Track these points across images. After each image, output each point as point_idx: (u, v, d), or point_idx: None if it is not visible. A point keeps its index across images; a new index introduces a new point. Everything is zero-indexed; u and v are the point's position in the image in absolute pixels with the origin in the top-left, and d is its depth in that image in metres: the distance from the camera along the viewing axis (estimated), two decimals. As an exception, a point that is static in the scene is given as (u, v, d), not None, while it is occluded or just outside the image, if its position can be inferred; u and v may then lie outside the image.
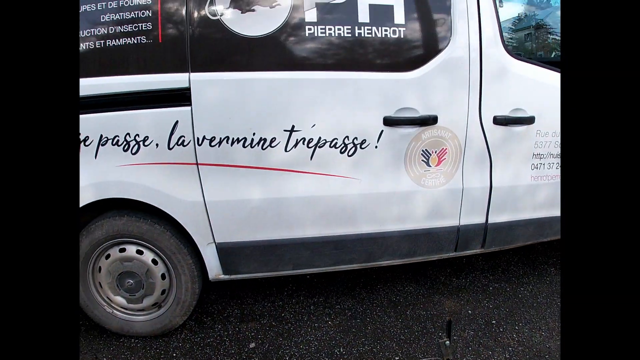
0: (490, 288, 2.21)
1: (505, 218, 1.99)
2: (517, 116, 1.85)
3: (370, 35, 1.69)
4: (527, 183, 1.97)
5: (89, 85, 1.64)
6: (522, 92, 1.87)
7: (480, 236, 1.99)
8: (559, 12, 2.40)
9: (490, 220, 1.97)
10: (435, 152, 1.80)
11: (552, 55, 2.51)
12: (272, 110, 1.67)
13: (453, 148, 1.82)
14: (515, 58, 1.85)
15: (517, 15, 2.26)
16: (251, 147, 1.68)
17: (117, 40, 1.65)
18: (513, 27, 2.28)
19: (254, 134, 1.67)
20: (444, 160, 1.82)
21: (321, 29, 1.66)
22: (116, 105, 1.67)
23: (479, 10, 1.78)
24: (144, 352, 1.86)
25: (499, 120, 1.83)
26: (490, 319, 1.98)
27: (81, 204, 1.72)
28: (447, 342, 1.48)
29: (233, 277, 1.88)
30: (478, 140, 1.83)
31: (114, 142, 1.67)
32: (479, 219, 1.95)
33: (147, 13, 1.64)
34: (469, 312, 2.03)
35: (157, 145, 1.67)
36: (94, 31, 1.65)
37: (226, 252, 1.80)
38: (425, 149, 1.79)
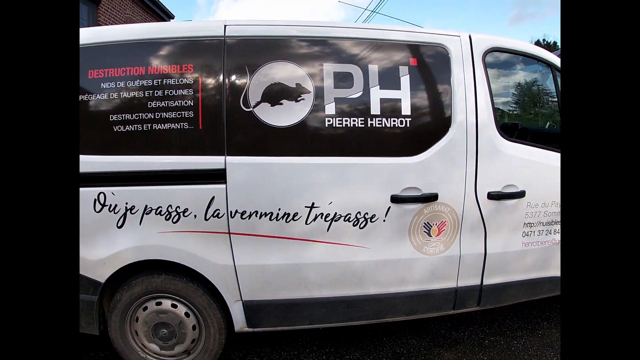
0: (486, 341, 2.43)
1: (498, 280, 2.23)
2: (509, 192, 2.11)
3: (380, 125, 1.96)
4: (518, 249, 2.21)
5: (138, 162, 1.92)
6: (514, 169, 2.13)
7: (476, 296, 2.22)
8: (548, 86, 2.67)
9: (485, 282, 2.20)
10: (436, 224, 2.06)
11: (544, 126, 2.79)
12: (295, 189, 1.93)
13: (451, 220, 2.07)
14: (507, 139, 2.12)
15: (507, 92, 2.53)
16: (276, 220, 1.94)
17: (163, 124, 1.93)
18: (504, 106, 2.55)
19: (279, 209, 1.93)
20: (444, 231, 2.07)
21: (339, 120, 1.94)
22: (160, 180, 1.94)
23: (476, 100, 2.05)
24: (174, 394, 2.08)
25: (492, 196, 2.08)
26: (484, 371, 2.20)
27: (125, 263, 1.98)
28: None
29: (256, 329, 2.12)
30: (474, 213, 2.09)
31: (157, 212, 1.94)
32: (474, 281, 2.19)
33: (190, 103, 1.93)
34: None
35: (195, 216, 1.94)
36: (141, 115, 1.93)
37: (251, 308, 2.05)
38: (427, 222, 2.04)
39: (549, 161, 2.18)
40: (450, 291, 2.17)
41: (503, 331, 2.53)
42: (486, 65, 2.11)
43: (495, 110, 2.12)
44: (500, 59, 2.28)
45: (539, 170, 2.16)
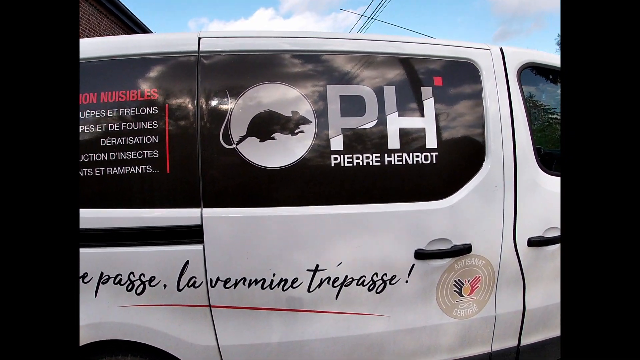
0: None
1: (538, 338, 1.86)
2: (552, 236, 1.73)
3: (400, 163, 1.55)
4: (559, 300, 1.84)
5: (89, 218, 1.46)
6: (555, 208, 1.75)
7: (513, 359, 1.85)
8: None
9: (522, 343, 1.83)
10: (468, 281, 1.67)
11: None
12: (294, 248, 1.50)
13: (486, 275, 1.68)
14: (550, 174, 1.74)
15: (546, 120, 2.17)
16: (270, 288, 1.51)
17: (120, 168, 1.48)
18: (544, 136, 2.18)
19: (273, 274, 1.50)
20: (477, 289, 1.69)
21: (348, 157, 1.52)
22: (119, 240, 1.49)
23: (514, 129, 1.67)
24: None
25: (533, 242, 1.70)
26: None
27: (81, 344, 1.52)
28: None
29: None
30: (512, 264, 1.70)
31: (116, 281, 1.49)
32: (511, 342, 1.81)
33: (154, 139, 1.48)
34: None
35: (165, 285, 1.49)
36: (93, 156, 1.47)
37: (240, 397, 1.62)
38: (458, 279, 1.65)
39: None
40: (484, 356, 1.78)
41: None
42: (522, 86, 1.73)
43: (534, 137, 1.73)
44: (535, 76, 1.89)
45: None
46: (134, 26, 10.75)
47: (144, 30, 11.38)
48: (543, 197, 1.72)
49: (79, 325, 1.55)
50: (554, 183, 1.74)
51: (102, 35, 9.17)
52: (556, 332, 1.90)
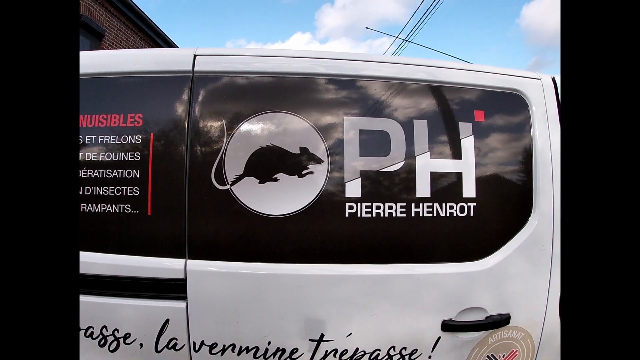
0: None
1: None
2: (608, 305, 1.43)
3: (431, 215, 1.27)
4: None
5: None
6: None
7: None
8: None
9: None
10: (503, 356, 1.38)
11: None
12: (296, 313, 1.24)
13: (525, 349, 1.39)
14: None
15: None
16: (264, 358, 1.25)
17: (95, 206, 1.25)
18: None
19: (269, 342, 1.25)
20: (514, 365, 1.40)
21: (366, 206, 1.25)
22: (92, 288, 1.26)
23: (568, 175, 1.37)
24: None
25: (585, 312, 1.41)
26: None
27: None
28: None
29: None
30: (555, 337, 1.41)
31: (87, 334, 1.27)
32: None
33: (134, 173, 1.25)
34: None
35: (141, 345, 1.26)
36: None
37: None
38: (492, 355, 1.37)
39: None
40: None
41: None
42: None
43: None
44: None
45: None
46: (163, 43, 10.58)
47: (171, 46, 11.21)
48: None
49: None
50: None
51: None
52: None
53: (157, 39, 10.25)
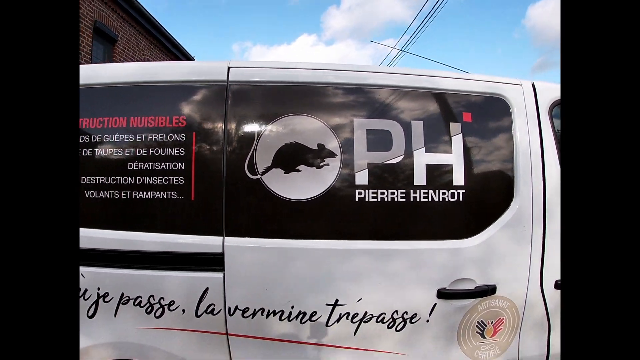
0: None
1: (562, 384, 1.78)
2: (582, 279, 1.66)
3: (426, 199, 1.52)
4: (588, 346, 1.76)
5: (113, 239, 1.49)
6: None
7: (534, 404, 1.78)
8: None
9: (546, 388, 1.76)
10: (492, 322, 1.61)
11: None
12: (315, 282, 1.49)
13: (510, 317, 1.63)
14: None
15: None
16: (288, 320, 1.49)
17: (146, 192, 1.50)
18: None
19: (292, 306, 1.49)
20: (500, 331, 1.63)
21: (373, 193, 1.50)
22: (140, 263, 1.51)
23: (544, 167, 1.62)
24: None
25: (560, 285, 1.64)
26: None
27: (96, 363, 1.54)
28: None
29: None
30: (537, 307, 1.64)
31: (136, 302, 1.50)
32: (534, 387, 1.74)
33: (180, 165, 1.50)
34: None
35: (183, 310, 1.50)
36: (120, 179, 1.50)
37: None
38: (481, 321, 1.60)
39: None
40: (504, 402, 1.72)
41: None
42: (554, 123, 1.68)
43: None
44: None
45: None
46: (173, 48, 10.92)
47: (182, 51, 11.52)
48: None
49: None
50: None
51: (140, 56, 9.38)
52: (582, 378, 1.82)
53: (167, 43, 10.59)
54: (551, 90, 1.72)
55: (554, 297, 1.65)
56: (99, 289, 1.50)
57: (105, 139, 1.52)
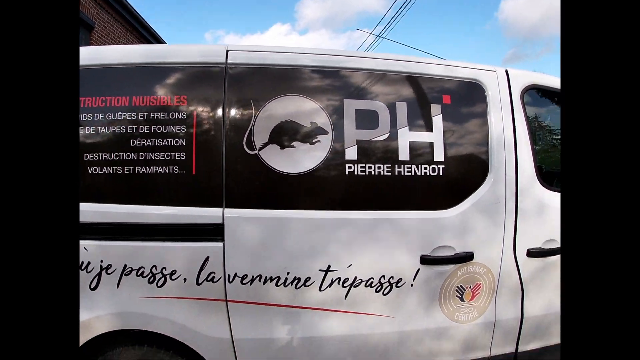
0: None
1: (535, 345, 1.94)
2: (550, 247, 1.83)
3: (410, 174, 1.66)
4: (557, 310, 1.93)
5: (116, 212, 1.58)
6: (555, 222, 1.86)
7: (510, 365, 1.94)
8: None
9: (520, 349, 1.91)
10: (470, 287, 1.76)
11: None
12: (309, 250, 1.61)
13: (487, 283, 1.78)
14: (549, 189, 1.85)
15: (547, 138, 2.30)
16: (284, 286, 1.61)
17: (147, 167, 1.59)
18: (545, 152, 2.31)
19: (288, 273, 1.60)
20: (478, 295, 1.78)
21: (361, 167, 1.63)
22: (143, 235, 1.59)
23: (516, 145, 1.78)
24: None
25: (532, 253, 1.81)
26: None
27: (99, 332, 1.62)
28: None
29: (256, 412, 1.78)
30: (511, 273, 1.80)
31: (138, 273, 1.59)
32: (509, 348, 1.90)
33: (181, 142, 1.59)
34: None
35: (185, 279, 1.59)
36: (123, 155, 1.59)
37: (251, 389, 1.71)
38: (460, 285, 1.75)
39: None
40: (482, 362, 1.88)
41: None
42: (525, 105, 1.85)
43: (537, 156, 1.84)
44: (538, 98, 2.02)
45: None
46: (149, 36, 10.95)
47: (157, 39, 11.57)
48: (543, 211, 1.83)
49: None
50: (553, 198, 1.85)
51: (117, 43, 9.35)
52: (554, 340, 1.98)
53: (143, 31, 10.64)
54: (523, 76, 1.89)
55: (527, 264, 1.81)
56: (101, 261, 1.58)
57: (108, 117, 1.60)
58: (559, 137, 2.21)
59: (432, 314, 1.74)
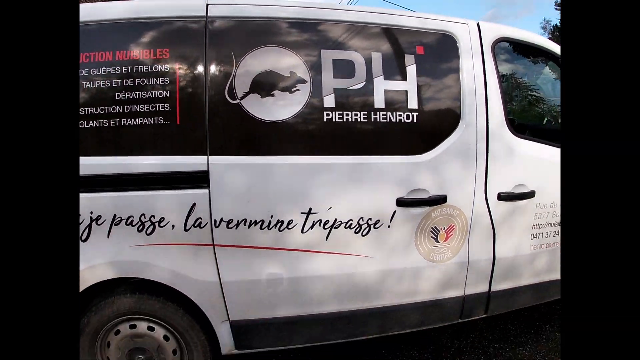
0: (491, 349, 2.29)
1: (507, 285, 2.08)
2: (520, 192, 1.95)
3: (385, 120, 1.75)
4: (527, 252, 2.06)
5: (104, 164, 1.63)
6: (524, 168, 1.97)
7: (484, 303, 2.07)
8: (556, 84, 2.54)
9: (493, 289, 2.05)
10: (444, 228, 1.87)
11: (547, 124, 2.66)
12: (290, 193, 1.69)
13: (460, 224, 1.89)
14: (518, 137, 1.95)
15: (516, 89, 2.40)
16: (268, 229, 1.70)
17: (133, 119, 1.64)
18: (514, 102, 2.42)
19: (271, 216, 1.69)
20: (452, 236, 1.90)
21: (339, 114, 1.71)
22: (131, 185, 1.65)
23: (486, 93, 1.87)
24: None
25: (502, 197, 1.92)
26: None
27: (91, 283, 1.69)
28: None
29: (246, 351, 1.88)
30: (483, 216, 1.92)
31: (128, 222, 1.65)
32: (482, 288, 2.03)
33: (165, 94, 1.65)
34: (472, 376, 2.11)
35: (173, 226, 1.66)
36: (108, 109, 1.64)
37: (240, 329, 1.81)
38: (435, 227, 1.86)
39: (558, 160, 2.03)
40: (457, 300, 2.00)
41: (507, 337, 2.39)
42: (496, 57, 1.93)
43: (506, 105, 1.94)
44: (508, 51, 2.11)
45: (548, 169, 2.00)
46: None
47: None
48: (513, 158, 1.94)
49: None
50: (524, 146, 1.96)
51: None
52: (524, 281, 2.12)
53: None
54: (494, 29, 1.97)
55: (498, 208, 1.93)
56: (91, 212, 1.64)
57: (92, 72, 1.64)
58: (531, 89, 2.32)
59: (409, 254, 1.85)
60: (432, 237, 1.87)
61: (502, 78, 2.02)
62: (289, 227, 1.71)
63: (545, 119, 2.63)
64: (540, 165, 2.00)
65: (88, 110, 1.64)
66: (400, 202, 1.77)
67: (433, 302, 1.96)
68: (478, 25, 1.95)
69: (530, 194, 1.98)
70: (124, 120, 1.64)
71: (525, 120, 2.38)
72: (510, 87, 2.36)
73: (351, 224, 1.75)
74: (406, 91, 1.78)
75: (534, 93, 2.45)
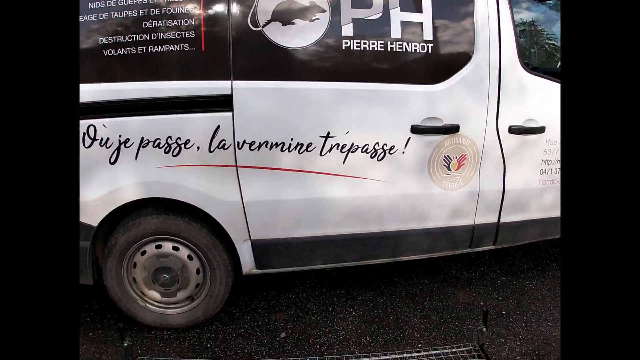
0: (499, 281, 2.40)
1: (515, 218, 2.16)
2: (530, 126, 2.01)
3: (401, 50, 1.81)
4: (536, 186, 2.14)
5: (132, 90, 1.72)
6: (535, 104, 2.03)
7: (493, 234, 2.16)
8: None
9: (502, 220, 2.13)
10: (456, 157, 1.95)
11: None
12: (310, 117, 1.78)
13: (472, 154, 1.97)
14: (530, 73, 2.01)
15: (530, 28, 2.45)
16: (289, 151, 1.79)
17: (160, 46, 1.73)
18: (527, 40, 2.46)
19: (291, 139, 1.78)
20: (463, 165, 1.98)
21: (357, 43, 1.78)
22: (158, 109, 1.75)
23: (500, 28, 1.92)
24: (178, 344, 1.96)
25: (513, 130, 1.99)
26: (500, 309, 2.17)
27: (120, 203, 1.81)
28: (484, 329, 1.68)
29: (265, 271, 2.00)
30: (494, 147, 1.99)
31: (155, 145, 1.76)
32: (492, 218, 2.12)
33: (191, 22, 1.73)
34: (481, 303, 2.21)
35: (198, 148, 1.76)
36: (135, 37, 1.72)
37: (261, 248, 1.92)
38: (447, 155, 1.94)
39: None
40: (468, 228, 2.09)
41: (514, 272, 2.50)
42: None
43: (519, 39, 1.99)
44: None
45: (559, 106, 2.05)
46: None
47: None
48: (524, 93, 2.00)
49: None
50: (536, 83, 2.01)
51: None
52: (532, 215, 2.20)
53: None
54: None
55: (508, 140, 2.00)
56: (120, 136, 1.74)
57: (120, 2, 1.71)
58: (545, 33, 2.36)
59: (422, 181, 1.94)
60: (444, 165, 1.95)
61: (517, 18, 2.06)
62: (308, 149, 1.80)
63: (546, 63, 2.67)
64: (551, 102, 2.05)
65: (117, 39, 1.72)
66: (415, 129, 1.85)
67: (444, 229, 2.05)
68: None
69: (541, 129, 2.04)
70: (151, 48, 1.73)
71: (538, 60, 2.42)
72: (525, 26, 2.40)
73: (367, 148, 1.84)
74: (421, 23, 1.83)
75: (548, 35, 2.49)
